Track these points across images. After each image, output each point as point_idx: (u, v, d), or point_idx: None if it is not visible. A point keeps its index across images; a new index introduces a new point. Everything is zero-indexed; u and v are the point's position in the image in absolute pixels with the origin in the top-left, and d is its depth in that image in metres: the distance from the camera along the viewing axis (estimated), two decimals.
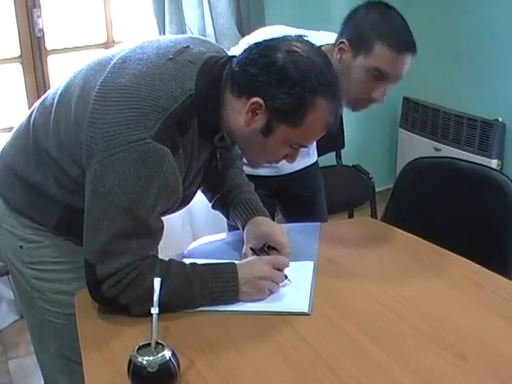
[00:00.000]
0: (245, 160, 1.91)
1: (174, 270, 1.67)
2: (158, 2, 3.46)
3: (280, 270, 1.76)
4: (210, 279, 1.68)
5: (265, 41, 1.68)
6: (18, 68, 3.46)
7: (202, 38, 1.94)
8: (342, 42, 2.09)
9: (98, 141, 1.57)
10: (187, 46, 1.72)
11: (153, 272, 1.62)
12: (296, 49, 1.62)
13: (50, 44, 3.48)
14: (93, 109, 1.62)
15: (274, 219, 2.71)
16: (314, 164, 2.78)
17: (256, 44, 1.67)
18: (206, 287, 1.67)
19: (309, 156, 2.74)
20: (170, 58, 1.67)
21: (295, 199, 2.80)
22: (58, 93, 1.79)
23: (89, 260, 1.62)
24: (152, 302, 1.50)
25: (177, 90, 1.60)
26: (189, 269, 1.69)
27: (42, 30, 3.42)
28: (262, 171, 2.60)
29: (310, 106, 1.60)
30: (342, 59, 2.09)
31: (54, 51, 3.54)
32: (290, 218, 2.83)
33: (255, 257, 1.82)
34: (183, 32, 3.54)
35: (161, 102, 1.58)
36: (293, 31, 2.25)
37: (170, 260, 1.72)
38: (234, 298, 1.70)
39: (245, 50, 1.67)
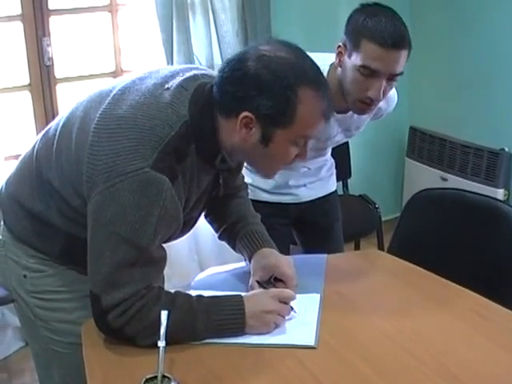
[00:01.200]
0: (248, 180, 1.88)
1: (179, 302, 1.67)
2: (167, 32, 3.50)
3: (286, 303, 1.76)
4: (216, 312, 1.68)
5: (235, 55, 1.68)
6: (27, 96, 3.48)
7: (202, 67, 1.96)
8: (339, 47, 2.14)
9: (98, 172, 1.58)
10: (183, 74, 1.73)
11: (158, 303, 1.62)
12: (264, 52, 1.61)
13: (59, 72, 3.51)
14: (92, 141, 1.64)
15: (289, 249, 2.74)
16: (333, 193, 2.80)
17: (227, 61, 1.68)
18: (211, 319, 1.67)
19: (328, 184, 2.76)
20: (167, 88, 1.68)
21: (313, 227, 2.81)
22: (60, 124, 1.80)
23: (94, 291, 1.62)
24: (158, 334, 1.51)
25: (172, 118, 1.62)
26: (194, 301, 1.69)
27: (52, 58, 3.45)
28: (282, 198, 2.62)
29: (295, 102, 1.60)
30: (340, 62, 2.14)
31: (63, 80, 3.57)
32: (307, 246, 2.85)
33: (262, 290, 1.81)
34: (191, 62, 3.57)
35: (157, 130, 1.59)
36: None
37: (176, 292, 1.72)
38: (239, 331, 1.70)
39: (219, 71, 1.67)
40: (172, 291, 1.71)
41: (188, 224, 1.85)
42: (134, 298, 1.60)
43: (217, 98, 1.65)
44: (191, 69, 1.79)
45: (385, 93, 2.14)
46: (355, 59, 2.08)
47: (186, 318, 1.66)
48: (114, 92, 1.72)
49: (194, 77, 1.73)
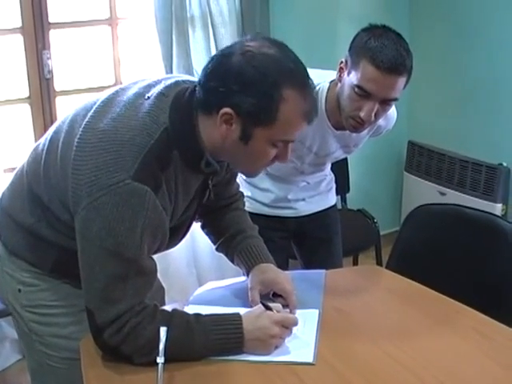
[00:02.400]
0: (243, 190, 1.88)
1: (176, 321, 1.65)
2: (167, 46, 3.50)
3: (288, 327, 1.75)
4: (214, 331, 1.67)
5: (219, 50, 1.67)
6: (26, 109, 3.49)
7: (186, 75, 1.96)
8: (341, 62, 2.15)
9: (82, 187, 1.58)
10: (165, 81, 1.73)
11: (153, 322, 1.62)
12: (249, 48, 1.59)
13: (58, 85, 3.52)
14: (75, 155, 1.63)
15: (287, 263, 2.74)
16: (332, 207, 2.81)
17: (211, 57, 1.67)
18: (209, 339, 1.66)
19: (328, 198, 2.76)
20: (147, 97, 1.67)
21: (312, 241, 2.82)
22: (48, 139, 1.81)
23: (88, 307, 1.62)
24: (154, 352, 1.51)
25: (152, 126, 1.61)
26: (192, 320, 1.68)
27: (52, 71, 3.45)
28: (281, 212, 2.62)
29: (278, 100, 1.57)
30: (340, 78, 2.15)
31: (63, 92, 3.57)
32: (306, 259, 2.85)
33: (264, 311, 1.76)
34: (191, 75, 3.57)
35: (137, 141, 1.58)
36: None
37: (173, 310, 1.71)
38: (237, 350, 1.69)
39: (203, 68, 1.66)
40: (169, 309, 1.71)
41: (179, 232, 1.85)
42: (129, 314, 1.60)
43: (199, 95, 1.64)
44: (174, 77, 1.79)
45: (377, 116, 2.14)
46: (353, 77, 2.08)
47: (184, 338, 1.65)
48: (97, 104, 1.72)
49: (176, 83, 1.72)
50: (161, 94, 1.67)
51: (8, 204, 1.88)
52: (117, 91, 1.75)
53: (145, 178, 1.56)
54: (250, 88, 1.56)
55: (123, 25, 3.67)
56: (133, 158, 1.56)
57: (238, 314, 1.73)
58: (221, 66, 1.61)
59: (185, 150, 1.65)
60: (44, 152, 1.78)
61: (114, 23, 3.64)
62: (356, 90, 2.08)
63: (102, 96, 1.75)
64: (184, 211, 1.79)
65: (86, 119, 1.68)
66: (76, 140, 1.65)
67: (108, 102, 1.71)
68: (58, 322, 1.87)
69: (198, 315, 1.70)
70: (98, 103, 1.72)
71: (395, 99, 2.11)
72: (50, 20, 3.42)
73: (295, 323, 1.75)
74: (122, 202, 1.54)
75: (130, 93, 1.71)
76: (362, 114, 2.10)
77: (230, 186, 2.07)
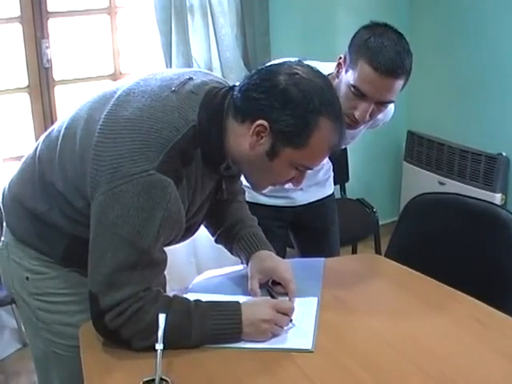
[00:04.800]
0: (247, 183, 1.89)
1: (176, 306, 1.66)
2: (166, 35, 3.50)
3: (286, 314, 1.75)
4: (213, 317, 1.67)
5: (266, 66, 1.70)
6: (25, 98, 3.49)
7: (206, 70, 1.96)
8: (340, 58, 2.13)
9: (102, 173, 1.59)
10: (190, 78, 1.73)
11: (155, 306, 1.62)
12: (297, 71, 1.63)
13: (57, 74, 3.51)
14: (97, 142, 1.64)
15: (285, 251, 2.74)
16: (329, 196, 2.80)
17: (258, 69, 1.69)
18: (207, 324, 1.67)
19: (325, 187, 2.76)
20: (173, 90, 1.68)
21: (309, 231, 2.81)
22: (64, 126, 1.80)
23: (92, 291, 1.62)
24: (154, 337, 1.52)
25: (180, 122, 1.62)
26: (192, 305, 1.68)
27: (50, 60, 3.45)
28: (278, 202, 2.62)
29: (313, 127, 1.61)
30: (338, 74, 2.14)
31: (62, 82, 3.57)
32: (303, 249, 2.85)
33: (262, 298, 1.81)
34: (189, 65, 3.57)
35: (164, 133, 1.59)
36: None
37: (174, 296, 1.72)
38: (235, 338, 1.69)
39: (246, 77, 1.69)
40: (170, 295, 1.72)
41: (191, 229, 1.85)
42: (132, 299, 1.60)
43: (237, 101, 1.66)
44: (197, 72, 1.81)
45: (372, 115, 2.13)
46: (350, 76, 2.07)
47: (182, 322, 1.65)
48: (119, 93, 1.72)
49: (204, 82, 1.73)
50: (190, 92, 1.68)
51: (18, 191, 1.88)
52: (137, 82, 1.75)
53: (168, 170, 1.57)
54: (290, 108, 1.60)
55: (122, 14, 3.67)
56: (158, 150, 1.57)
57: (237, 302, 1.73)
58: (266, 80, 1.63)
59: (208, 151, 1.67)
60: (60, 139, 1.78)
61: (112, 12, 3.64)
62: (352, 89, 2.06)
63: (123, 85, 1.76)
64: (197, 211, 1.80)
65: (109, 107, 1.69)
66: (98, 127, 1.66)
67: (130, 92, 1.71)
68: (67, 310, 1.87)
69: (197, 301, 1.71)
70: (119, 92, 1.73)
71: (391, 101, 2.11)
72: (49, 9, 3.42)
73: (292, 310, 1.76)
74: (144, 191, 1.55)
75: (154, 84, 1.72)
76: (356, 114, 2.10)
77: (235, 183, 2.07)
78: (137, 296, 1.61)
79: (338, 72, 2.14)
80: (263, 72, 1.66)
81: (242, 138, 1.65)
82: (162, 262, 1.69)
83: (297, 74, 1.62)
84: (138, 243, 1.58)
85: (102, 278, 1.60)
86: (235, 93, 1.67)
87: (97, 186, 1.60)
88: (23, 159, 1.93)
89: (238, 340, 1.69)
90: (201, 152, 1.66)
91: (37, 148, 1.87)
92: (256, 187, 1.86)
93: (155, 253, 1.63)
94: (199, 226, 1.93)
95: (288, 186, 1.81)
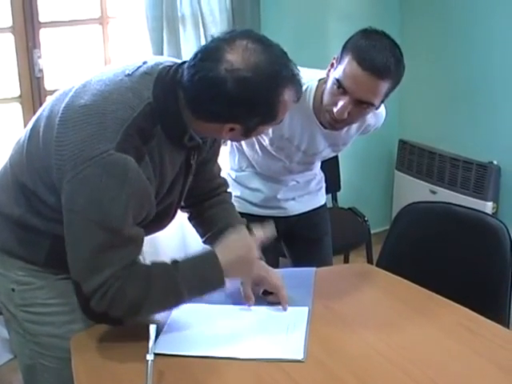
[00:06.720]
0: (237, 194, 1.90)
1: (156, 271, 1.69)
2: (157, 44, 3.50)
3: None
4: (193, 270, 1.72)
5: (204, 49, 1.64)
6: (17, 108, 3.48)
7: (163, 56, 1.97)
8: (334, 58, 2.14)
9: (66, 162, 1.60)
10: (144, 62, 1.75)
11: (136, 280, 1.64)
12: (236, 66, 1.56)
13: (49, 84, 3.51)
14: (58, 133, 1.65)
15: (278, 262, 2.74)
16: (322, 206, 2.80)
17: (197, 58, 1.62)
18: (190, 280, 1.70)
19: (317, 198, 2.76)
20: (127, 74, 1.71)
21: (302, 241, 2.81)
22: (29, 129, 1.82)
23: (75, 280, 1.64)
24: (143, 310, 1.59)
25: (134, 100, 1.64)
26: (171, 267, 1.71)
27: (42, 70, 3.45)
28: (270, 212, 2.62)
29: (278, 107, 1.66)
30: (329, 72, 2.15)
31: (54, 91, 3.54)
32: (296, 259, 2.85)
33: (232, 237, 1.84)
34: None
35: (119, 113, 1.61)
36: None
37: (152, 263, 1.73)
38: (220, 283, 1.73)
39: (191, 59, 1.64)
40: (148, 263, 1.73)
41: (168, 212, 1.87)
42: (112, 279, 1.61)
43: (193, 104, 1.65)
44: (153, 58, 1.81)
45: (352, 116, 2.12)
46: (336, 72, 2.09)
47: (168, 286, 1.68)
48: (76, 87, 1.74)
49: (157, 63, 1.74)
50: (144, 73, 1.70)
51: None
52: (95, 74, 1.77)
53: (128, 149, 1.59)
54: (251, 109, 1.62)
55: (114, 24, 3.66)
56: (115, 130, 1.59)
57: (211, 250, 1.77)
58: (213, 86, 1.58)
59: (168, 125, 1.68)
60: (25, 141, 1.80)
61: (104, 22, 3.64)
62: (335, 84, 2.08)
63: (80, 81, 1.78)
64: (170, 188, 1.80)
65: (67, 100, 1.71)
66: (57, 119, 1.67)
67: (87, 83, 1.73)
68: (54, 320, 1.87)
69: (174, 262, 1.73)
70: (76, 86, 1.75)
71: (371, 103, 2.08)
72: (41, 19, 3.41)
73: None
74: (106, 172, 1.57)
75: (109, 72, 1.74)
76: (335, 110, 2.10)
77: (213, 165, 2.10)
78: (116, 275, 1.62)
79: (329, 71, 2.15)
80: (205, 71, 1.59)
81: (212, 130, 1.70)
82: (138, 237, 1.69)
83: (237, 69, 1.56)
84: (108, 224, 1.59)
85: (80, 265, 1.62)
86: (184, 81, 1.64)
87: (63, 176, 1.61)
88: None
89: (223, 286, 1.74)
90: (161, 128, 1.67)
91: (8, 157, 1.90)
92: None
93: (128, 230, 1.63)
94: (176, 210, 1.94)
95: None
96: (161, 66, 1.72)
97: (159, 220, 1.82)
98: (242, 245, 1.78)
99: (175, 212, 1.94)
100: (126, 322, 1.67)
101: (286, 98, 1.64)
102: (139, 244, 1.71)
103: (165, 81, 1.68)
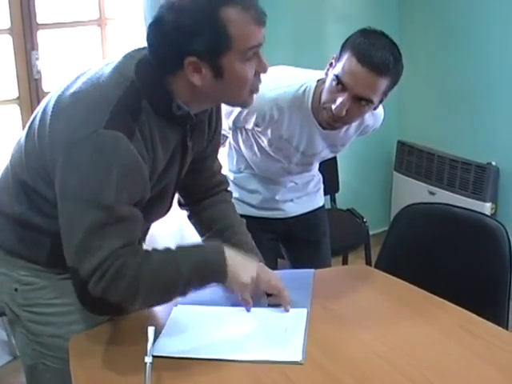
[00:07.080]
0: (238, 196, 1.89)
1: (157, 250, 1.69)
2: None
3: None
4: (196, 252, 1.73)
5: (150, 22, 1.68)
6: (15, 109, 3.48)
7: None
8: (332, 57, 2.15)
9: (58, 148, 1.61)
10: (130, 53, 1.77)
11: (134, 256, 1.63)
12: (172, 0, 1.61)
13: (47, 86, 3.51)
14: (50, 125, 1.66)
15: (276, 263, 2.74)
16: (320, 207, 2.80)
17: (147, 31, 1.68)
18: (191, 260, 1.70)
19: (315, 199, 2.76)
20: (112, 62, 1.73)
21: (300, 242, 2.81)
22: (26, 130, 1.83)
23: (71, 265, 1.62)
24: (142, 292, 1.58)
25: (119, 79, 1.65)
26: (172, 247, 1.71)
27: (40, 72, 3.45)
28: (268, 214, 2.63)
29: (224, 26, 1.59)
30: (328, 71, 2.17)
31: None
32: (294, 260, 2.85)
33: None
34: None
35: (105, 94, 1.62)
36: (293, 70, 2.30)
37: (153, 248, 1.72)
38: (222, 270, 1.73)
39: (147, 44, 1.68)
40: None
41: (163, 197, 1.86)
42: (111, 258, 1.59)
43: (157, 63, 1.66)
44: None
45: (350, 114, 2.13)
46: (335, 69, 2.10)
47: (167, 261, 1.68)
48: (66, 84, 1.75)
49: (142, 50, 1.74)
50: (127, 55, 1.73)
51: None
52: (84, 71, 1.77)
53: (117, 126, 1.59)
54: (193, 32, 1.58)
55: (112, 25, 3.67)
56: (104, 110, 1.59)
57: (219, 242, 1.79)
58: (158, 30, 1.63)
59: (153, 98, 1.67)
60: (23, 141, 1.81)
61: (102, 23, 3.64)
62: (334, 80, 2.09)
63: (70, 78, 1.78)
64: (165, 169, 1.78)
65: (58, 93, 1.72)
66: (49, 115, 1.68)
67: (76, 79, 1.74)
68: (56, 321, 1.87)
69: (178, 246, 1.74)
70: (68, 82, 1.75)
71: (370, 100, 2.09)
72: (39, 21, 3.41)
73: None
74: (95, 151, 1.57)
75: (96, 68, 1.75)
76: (333, 107, 2.11)
77: (211, 161, 2.09)
78: (116, 254, 1.60)
79: (328, 70, 2.16)
80: (151, 28, 1.66)
81: (188, 84, 1.66)
82: (134, 216, 1.67)
83: (174, 2, 1.60)
84: (100, 202, 1.58)
85: (75, 248, 1.60)
86: (151, 58, 1.68)
87: (56, 163, 1.61)
88: None
89: (225, 278, 1.74)
90: (147, 102, 1.66)
91: (10, 156, 1.90)
92: (240, 104, 1.87)
93: (121, 208, 1.62)
94: (174, 192, 1.94)
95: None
96: (144, 51, 1.72)
97: (157, 203, 1.81)
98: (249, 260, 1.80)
99: (173, 196, 1.93)
100: (124, 309, 1.66)
101: (230, 15, 1.59)
102: (136, 224, 1.68)
103: (147, 62, 1.68)
